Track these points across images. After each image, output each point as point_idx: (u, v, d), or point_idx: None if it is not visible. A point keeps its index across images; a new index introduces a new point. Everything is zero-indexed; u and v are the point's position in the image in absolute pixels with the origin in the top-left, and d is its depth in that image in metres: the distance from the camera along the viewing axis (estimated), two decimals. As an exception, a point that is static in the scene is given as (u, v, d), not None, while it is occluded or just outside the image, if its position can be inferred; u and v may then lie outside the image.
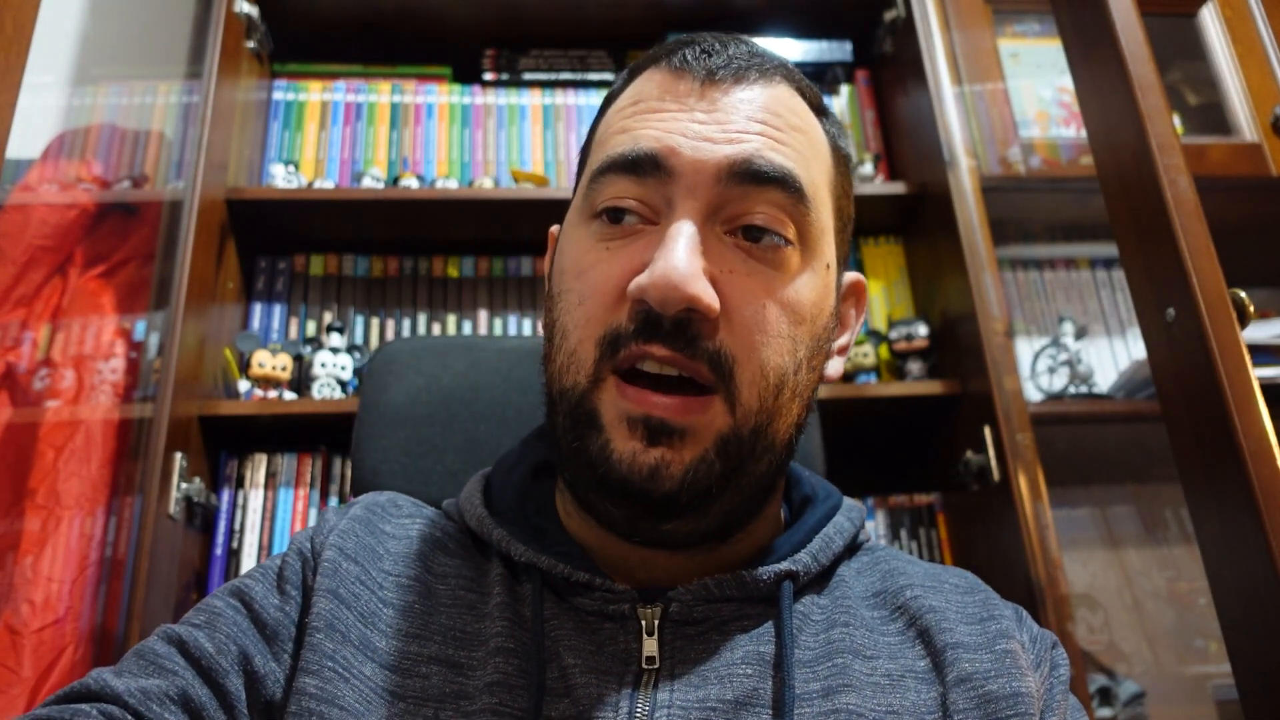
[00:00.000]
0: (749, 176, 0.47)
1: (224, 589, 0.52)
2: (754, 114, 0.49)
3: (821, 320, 0.51)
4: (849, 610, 0.51)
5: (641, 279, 0.45)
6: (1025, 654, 0.50)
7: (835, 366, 0.55)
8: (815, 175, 0.50)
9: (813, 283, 0.50)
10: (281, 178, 1.32)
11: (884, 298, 1.42)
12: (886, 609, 0.53)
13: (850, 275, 0.58)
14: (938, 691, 0.47)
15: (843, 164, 0.55)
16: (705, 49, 0.52)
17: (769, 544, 0.53)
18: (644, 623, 0.48)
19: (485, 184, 1.34)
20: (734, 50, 0.52)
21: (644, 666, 0.47)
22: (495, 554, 0.53)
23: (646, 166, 0.48)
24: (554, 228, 0.60)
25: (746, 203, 0.47)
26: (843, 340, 0.57)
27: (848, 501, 0.59)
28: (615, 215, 0.49)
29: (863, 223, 1.44)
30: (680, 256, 0.44)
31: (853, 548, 0.57)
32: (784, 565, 0.50)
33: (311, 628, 0.48)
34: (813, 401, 0.53)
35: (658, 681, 0.46)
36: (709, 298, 0.45)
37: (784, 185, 0.48)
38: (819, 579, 0.53)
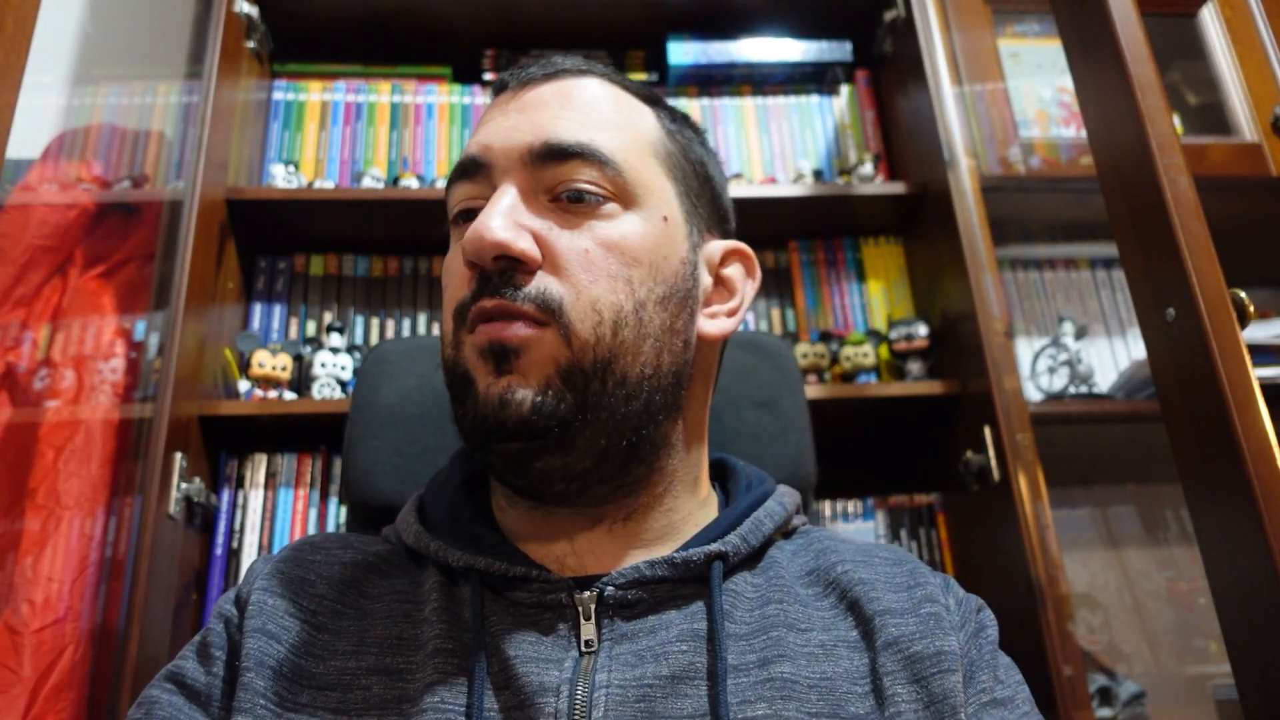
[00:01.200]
0: (552, 154, 0.54)
1: (159, 675, 0.54)
2: (560, 101, 0.56)
3: (668, 267, 0.56)
4: (783, 588, 0.54)
5: (463, 241, 0.52)
6: (950, 616, 0.53)
7: (719, 325, 0.60)
8: (628, 144, 0.56)
9: (643, 229, 0.55)
10: (281, 178, 1.32)
11: (884, 298, 1.42)
12: (820, 585, 0.56)
13: (730, 242, 0.64)
14: (869, 657, 0.50)
15: (680, 140, 0.61)
16: (527, 63, 0.60)
17: (701, 529, 0.57)
18: (580, 609, 0.51)
19: (485, 184, 1.34)
20: (557, 60, 0.59)
21: (583, 650, 0.49)
22: (432, 564, 0.56)
23: (472, 168, 0.56)
24: None
25: (558, 175, 0.54)
26: (732, 303, 0.62)
27: (782, 488, 0.62)
28: (466, 216, 0.56)
29: (863, 223, 1.45)
30: (489, 214, 0.51)
31: (788, 531, 0.61)
32: (714, 546, 0.53)
33: (242, 669, 0.50)
34: (685, 351, 0.57)
35: (596, 664, 0.48)
36: (521, 243, 0.51)
37: (584, 156, 0.54)
38: (751, 560, 0.56)
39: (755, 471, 0.64)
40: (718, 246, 0.63)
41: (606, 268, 0.53)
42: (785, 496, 0.61)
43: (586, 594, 0.51)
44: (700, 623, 0.50)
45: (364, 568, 0.57)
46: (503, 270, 0.51)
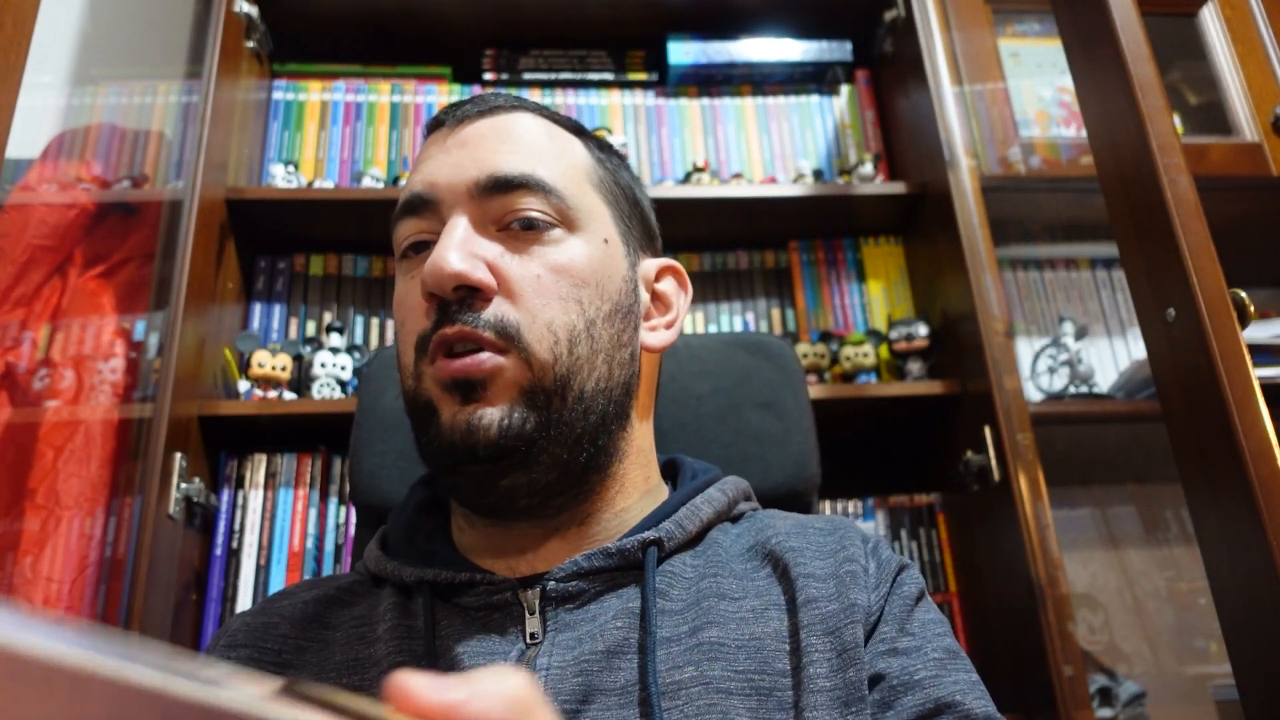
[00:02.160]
0: (498, 186, 0.56)
1: None
2: (497, 136, 0.59)
3: (613, 286, 0.59)
4: (720, 564, 0.57)
5: (422, 273, 0.54)
6: (866, 577, 0.56)
7: (660, 337, 0.64)
8: (566, 173, 0.59)
9: (587, 252, 0.58)
10: (281, 178, 1.32)
11: (884, 298, 1.42)
12: (757, 559, 0.58)
13: (662, 259, 0.67)
14: (794, 618, 0.53)
15: (609, 167, 0.65)
16: (460, 102, 0.62)
17: (641, 520, 0.59)
18: (525, 605, 0.53)
19: (485, 184, 1.34)
20: (489, 97, 0.62)
21: (528, 643, 0.52)
22: (390, 586, 0.58)
23: (419, 204, 0.58)
24: None
25: (505, 205, 0.56)
26: (669, 316, 0.65)
27: (729, 478, 0.65)
28: (417, 248, 0.59)
29: (863, 223, 1.45)
30: (445, 246, 0.53)
31: (733, 517, 0.63)
32: (648, 534, 0.56)
33: None
34: (631, 363, 0.60)
35: (539, 653, 0.51)
36: (478, 273, 0.53)
37: (528, 185, 0.57)
38: (691, 543, 0.59)
39: (702, 465, 0.67)
40: (652, 264, 0.66)
41: (558, 290, 0.55)
42: (728, 485, 0.64)
43: (531, 591, 0.54)
44: (635, 602, 0.53)
45: (326, 602, 0.59)
46: (461, 299, 0.54)
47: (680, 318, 0.66)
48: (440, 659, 0.51)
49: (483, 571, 0.55)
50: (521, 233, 0.56)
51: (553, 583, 0.53)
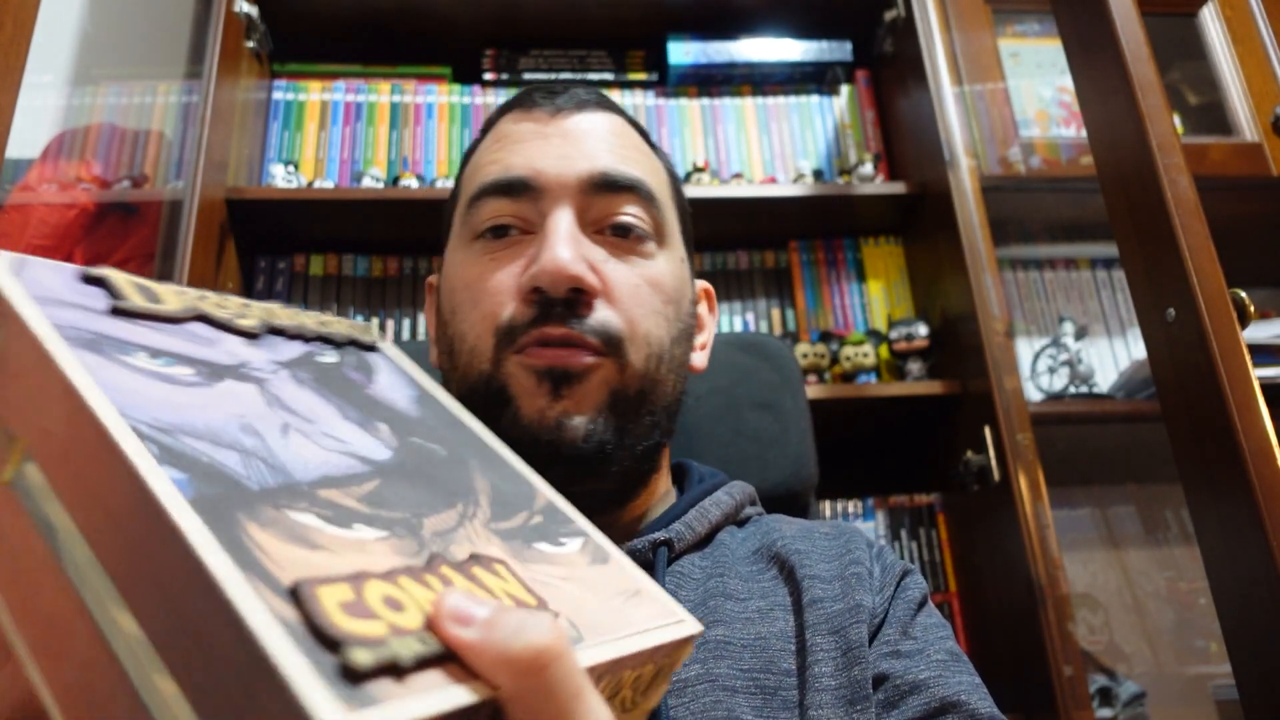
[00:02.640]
0: (606, 185, 0.56)
1: None
2: (600, 136, 0.58)
3: (684, 305, 0.60)
4: (727, 566, 0.57)
5: (533, 268, 0.52)
6: (871, 580, 0.56)
7: (700, 359, 0.65)
8: (658, 185, 0.60)
9: (672, 269, 0.59)
10: (281, 178, 1.32)
11: (884, 298, 1.42)
12: (763, 561, 0.58)
13: (700, 281, 0.68)
14: (799, 618, 0.53)
15: (677, 184, 0.65)
16: (548, 89, 0.62)
17: (652, 521, 0.60)
18: None
19: (485, 184, 1.34)
20: (580, 91, 0.62)
21: None
22: None
23: (518, 187, 0.56)
24: (431, 278, 0.68)
25: (608, 206, 0.56)
26: (702, 338, 0.66)
27: (735, 482, 0.65)
28: (498, 231, 0.57)
29: (863, 223, 1.45)
30: (564, 245, 0.53)
31: (741, 520, 0.63)
32: (658, 535, 0.56)
33: None
34: (685, 384, 0.61)
35: None
36: (590, 277, 0.53)
37: (636, 190, 0.57)
38: (699, 545, 0.59)
39: (709, 470, 0.67)
40: (697, 286, 0.67)
41: (652, 304, 0.56)
42: (735, 489, 0.64)
43: None
44: None
45: None
46: (569, 300, 0.53)
47: (710, 340, 0.67)
48: None
49: None
50: (618, 239, 0.56)
51: None
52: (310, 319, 0.39)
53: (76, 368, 0.26)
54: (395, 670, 0.22)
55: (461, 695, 0.22)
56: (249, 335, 0.35)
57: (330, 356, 0.38)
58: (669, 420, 0.58)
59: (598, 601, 0.29)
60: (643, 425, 0.55)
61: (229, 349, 0.33)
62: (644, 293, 0.55)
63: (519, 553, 0.30)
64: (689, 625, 0.30)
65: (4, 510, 0.26)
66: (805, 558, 0.56)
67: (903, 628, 0.54)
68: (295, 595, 0.22)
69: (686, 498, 0.61)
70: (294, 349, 0.36)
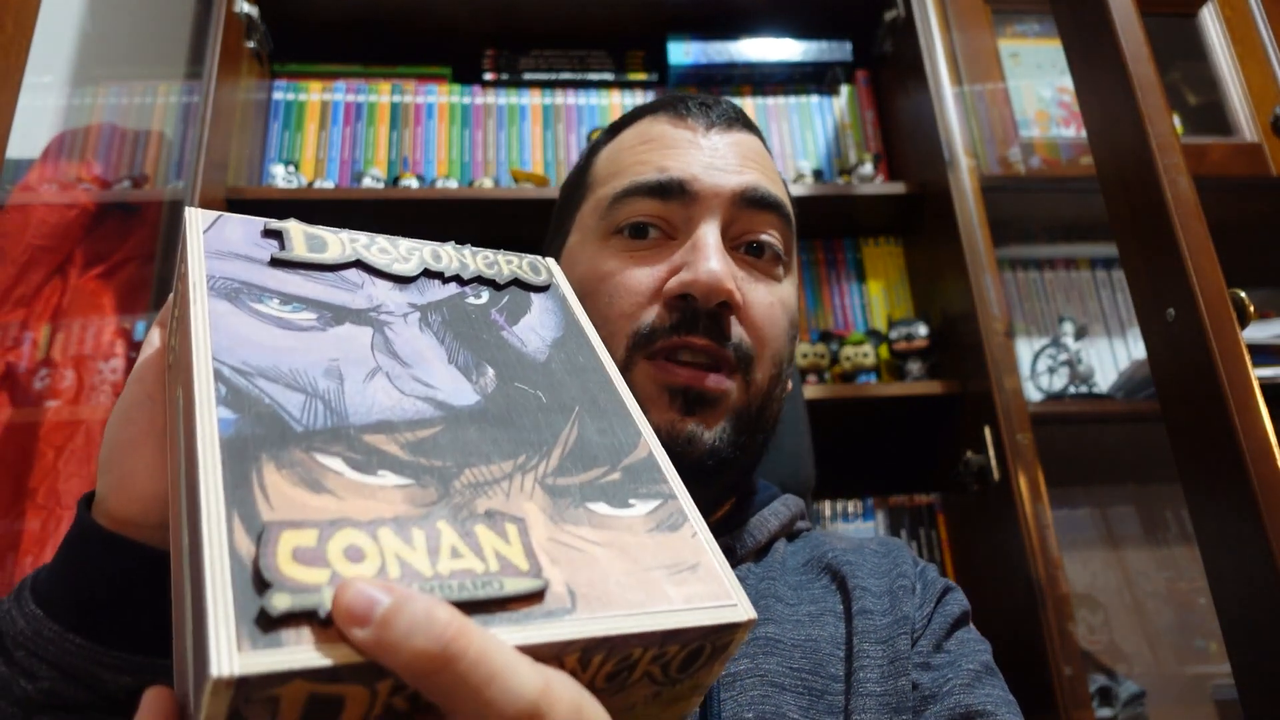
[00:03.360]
0: (755, 202, 0.57)
1: None
2: (748, 154, 0.60)
3: (795, 331, 0.62)
4: (779, 573, 0.59)
5: (684, 276, 0.53)
6: (913, 595, 0.57)
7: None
8: (791, 210, 0.61)
9: (792, 294, 0.61)
10: (282, 178, 1.32)
11: (884, 298, 1.42)
12: (813, 570, 0.60)
13: None
14: (848, 625, 0.54)
15: (795, 212, 0.66)
16: (702, 101, 0.63)
17: (716, 525, 0.61)
18: None
19: (485, 184, 1.34)
20: (729, 108, 0.63)
21: None
22: None
23: (673, 190, 0.56)
24: None
25: (752, 223, 0.57)
26: None
27: (790, 496, 0.67)
28: (638, 230, 0.57)
29: (863, 223, 1.45)
30: (718, 260, 0.53)
31: (792, 534, 0.64)
32: (723, 540, 0.58)
33: None
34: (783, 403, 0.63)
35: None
36: (740, 295, 0.54)
37: (778, 210, 0.58)
38: (756, 553, 0.60)
39: (763, 481, 0.68)
40: None
41: (781, 325, 0.57)
42: (789, 500, 0.65)
43: None
44: None
45: None
46: (713, 313, 0.53)
47: None
48: None
49: None
50: (752, 259, 0.57)
51: None
52: (479, 260, 0.42)
53: (202, 314, 0.31)
54: (315, 619, 0.23)
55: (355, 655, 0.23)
56: (401, 279, 0.38)
57: (482, 298, 0.40)
58: (772, 436, 0.60)
59: (631, 572, 0.29)
60: (756, 442, 0.57)
61: (370, 293, 0.37)
62: (776, 313, 0.57)
63: (561, 512, 0.30)
64: (738, 611, 0.29)
65: (172, 422, 0.34)
66: (856, 569, 0.57)
67: (936, 641, 0.55)
68: (259, 537, 0.24)
69: (748, 509, 0.62)
70: (444, 291, 0.39)
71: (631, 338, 0.53)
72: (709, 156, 0.58)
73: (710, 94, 0.63)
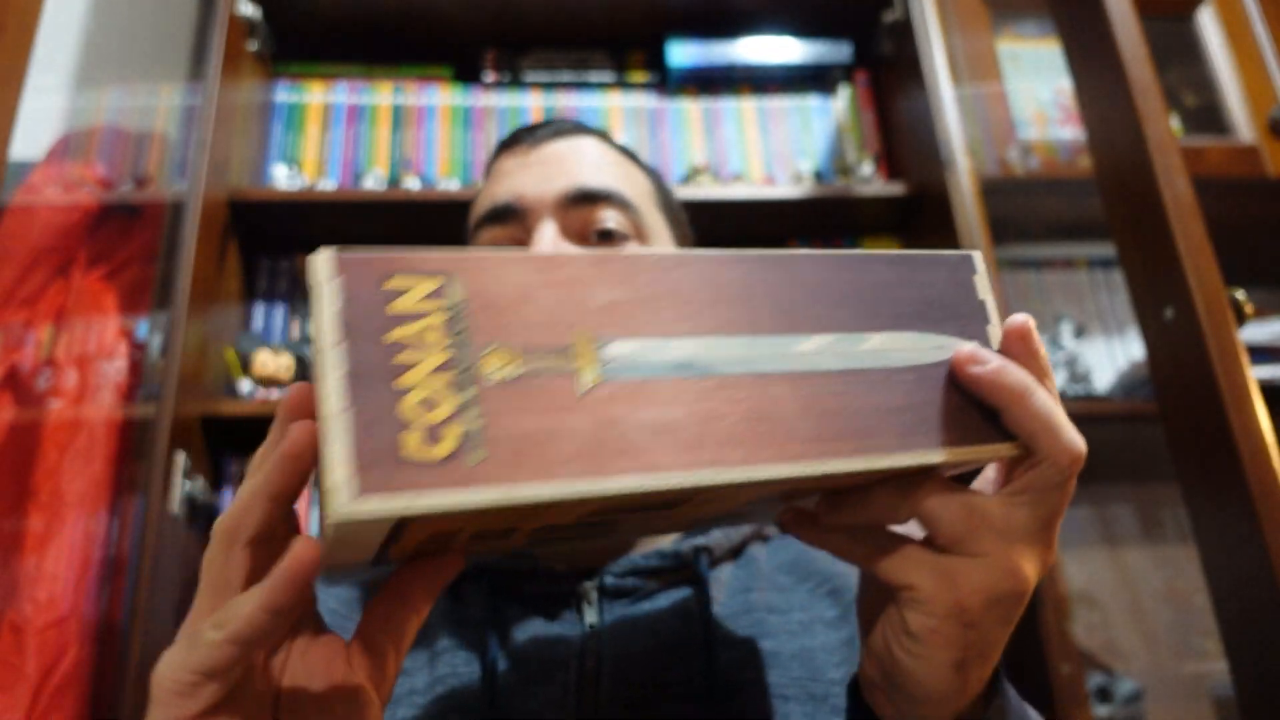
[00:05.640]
0: (582, 198, 0.61)
1: None
2: (572, 157, 0.63)
3: None
4: (761, 577, 0.60)
5: None
6: None
7: None
8: (636, 193, 0.64)
9: None
10: (284, 179, 1.32)
11: (883, 298, 1.42)
12: (797, 575, 0.61)
13: None
14: (846, 632, 0.56)
15: (664, 192, 0.70)
16: (530, 127, 0.67)
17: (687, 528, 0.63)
18: (584, 596, 0.55)
19: (486, 185, 1.35)
20: (559, 122, 0.68)
21: (588, 629, 0.54)
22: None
23: (506, 213, 0.61)
24: None
25: (588, 216, 0.61)
26: None
27: None
28: None
29: (862, 223, 1.45)
30: (545, 248, 0.58)
31: (763, 536, 0.65)
32: (699, 540, 0.59)
33: None
34: None
35: (601, 643, 0.53)
36: None
37: (609, 198, 0.61)
38: (731, 554, 0.61)
39: None
40: None
41: None
42: None
43: (589, 583, 0.56)
44: (690, 603, 0.56)
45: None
46: None
47: None
48: (503, 640, 0.53)
49: (543, 563, 0.57)
50: (601, 244, 0.61)
51: (610, 577, 0.56)
52: None
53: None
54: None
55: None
56: None
57: None
58: None
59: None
60: None
61: None
62: None
63: None
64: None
65: None
66: (847, 578, 0.59)
67: None
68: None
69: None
70: None
71: None
72: (535, 172, 0.62)
73: (550, 121, 0.69)
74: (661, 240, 0.65)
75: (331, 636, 0.38)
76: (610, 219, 0.61)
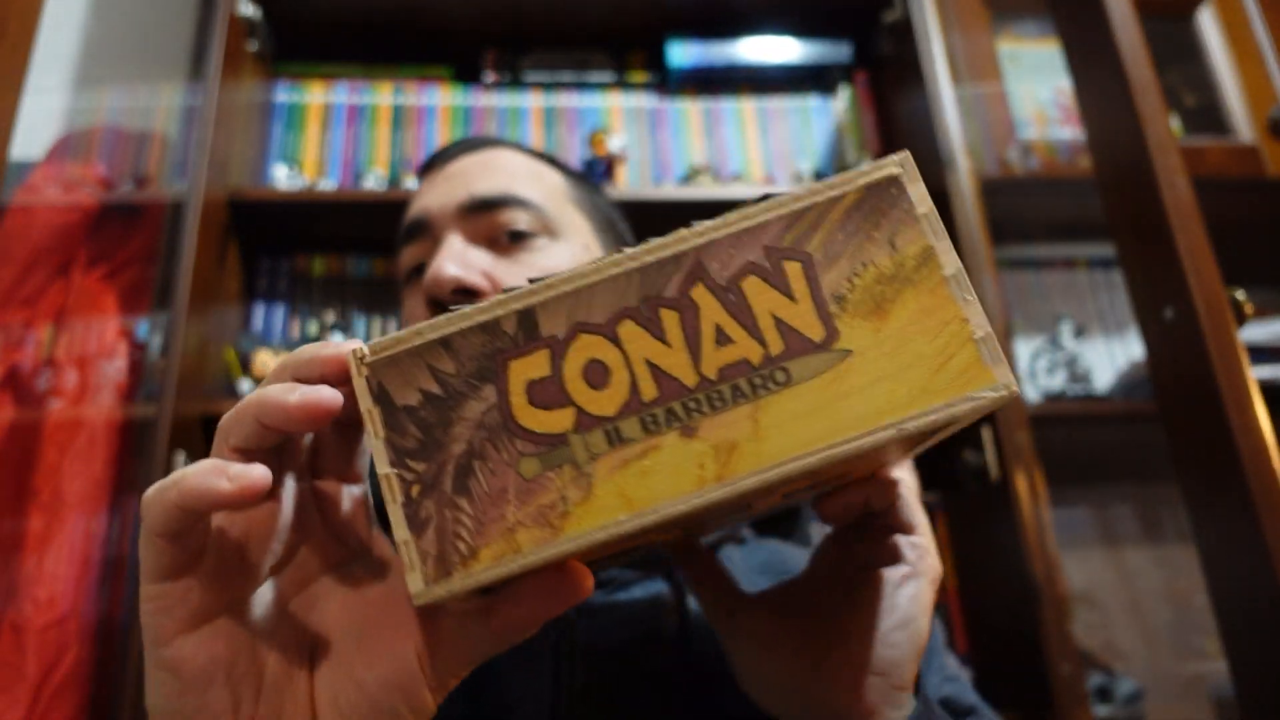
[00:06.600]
0: (479, 206, 0.64)
1: None
2: (480, 167, 0.67)
3: None
4: (737, 574, 0.59)
5: (423, 282, 0.61)
6: None
7: None
8: (544, 191, 0.67)
9: (570, 255, 0.65)
10: (284, 178, 1.32)
11: (883, 298, 1.42)
12: (772, 575, 0.61)
13: None
14: None
15: (579, 186, 0.72)
16: (445, 148, 0.71)
17: None
18: None
19: (486, 185, 1.35)
20: (473, 139, 0.71)
21: (564, 618, 0.54)
22: None
23: (417, 229, 0.66)
24: None
25: (490, 222, 0.64)
26: None
27: None
28: (416, 271, 0.66)
29: (862, 223, 1.45)
30: (443, 257, 0.60)
31: (738, 539, 0.66)
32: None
33: None
34: None
35: (576, 633, 0.54)
36: (472, 276, 0.60)
37: (508, 202, 0.64)
38: None
39: None
40: None
41: None
42: None
43: None
44: (667, 596, 0.57)
45: None
46: (459, 303, 0.56)
47: None
48: None
49: None
50: (510, 244, 0.63)
51: None
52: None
53: None
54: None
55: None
56: None
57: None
58: None
59: None
60: None
61: None
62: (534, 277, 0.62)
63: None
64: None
65: None
66: None
67: None
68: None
69: None
70: None
71: None
72: (440, 189, 0.66)
73: (470, 137, 0.75)
74: (579, 235, 0.67)
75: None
76: (519, 220, 0.63)
